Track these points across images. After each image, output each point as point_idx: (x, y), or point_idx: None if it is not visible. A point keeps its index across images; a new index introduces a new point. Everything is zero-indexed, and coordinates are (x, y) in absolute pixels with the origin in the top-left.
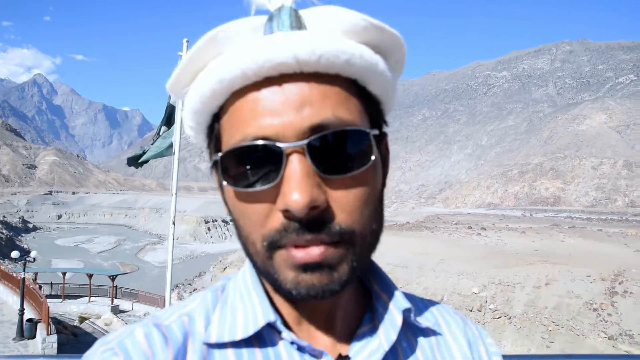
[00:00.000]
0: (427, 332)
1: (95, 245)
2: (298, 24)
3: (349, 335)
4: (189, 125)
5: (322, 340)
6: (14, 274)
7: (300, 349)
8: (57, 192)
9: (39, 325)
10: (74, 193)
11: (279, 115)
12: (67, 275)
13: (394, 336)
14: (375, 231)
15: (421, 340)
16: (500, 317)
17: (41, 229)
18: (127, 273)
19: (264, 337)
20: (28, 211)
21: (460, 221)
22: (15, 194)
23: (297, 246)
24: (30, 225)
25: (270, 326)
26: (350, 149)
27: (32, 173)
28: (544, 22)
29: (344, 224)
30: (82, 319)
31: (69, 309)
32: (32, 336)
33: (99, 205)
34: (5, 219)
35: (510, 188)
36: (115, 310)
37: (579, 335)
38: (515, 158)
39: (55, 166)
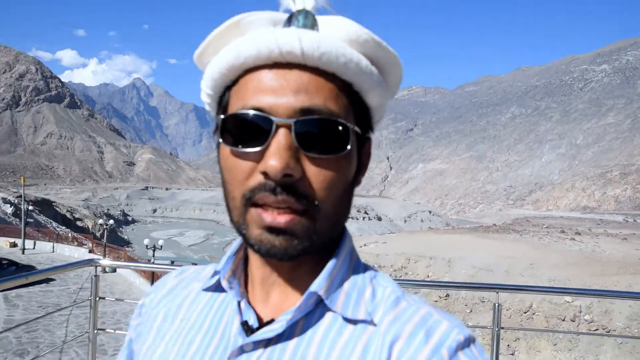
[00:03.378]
0: (355, 321)
1: (186, 239)
2: (312, 25)
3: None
4: (207, 92)
5: (273, 301)
6: (139, 259)
7: (240, 300)
8: (152, 187)
9: None
10: (167, 189)
11: (277, 94)
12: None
13: (289, 316)
14: (338, 215)
15: (344, 326)
16: (597, 329)
17: (139, 221)
18: None
19: (222, 287)
20: (127, 205)
21: (551, 225)
22: (117, 188)
23: (268, 205)
24: (130, 218)
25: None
26: (330, 135)
27: (131, 170)
28: None
29: (312, 196)
30: None
31: None
32: None
33: (189, 201)
34: (109, 211)
35: (609, 191)
36: None
37: None
38: (616, 158)
39: (151, 163)
